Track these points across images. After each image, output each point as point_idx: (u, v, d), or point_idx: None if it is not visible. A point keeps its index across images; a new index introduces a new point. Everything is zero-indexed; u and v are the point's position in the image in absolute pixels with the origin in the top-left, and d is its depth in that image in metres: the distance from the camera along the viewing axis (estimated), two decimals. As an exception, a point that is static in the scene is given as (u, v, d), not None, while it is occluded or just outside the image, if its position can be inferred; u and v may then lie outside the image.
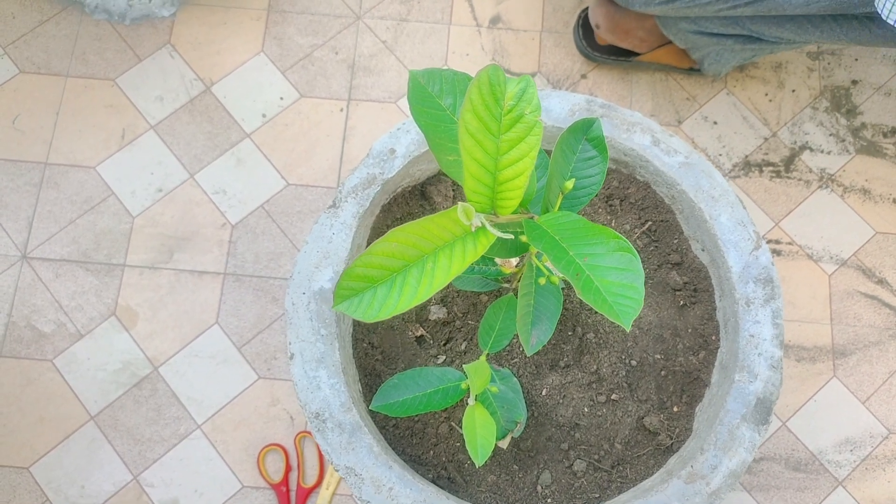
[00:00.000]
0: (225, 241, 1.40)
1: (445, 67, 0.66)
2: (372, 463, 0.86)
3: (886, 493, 1.29)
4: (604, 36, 1.41)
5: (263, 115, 1.47)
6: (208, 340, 1.36)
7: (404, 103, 1.47)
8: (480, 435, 0.80)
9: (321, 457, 1.30)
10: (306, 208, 1.42)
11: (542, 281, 0.77)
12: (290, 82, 1.49)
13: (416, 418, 0.95)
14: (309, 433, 1.30)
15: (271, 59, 1.50)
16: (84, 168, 1.43)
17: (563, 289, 0.88)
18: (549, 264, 0.75)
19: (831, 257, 1.40)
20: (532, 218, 0.66)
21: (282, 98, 1.48)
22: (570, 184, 0.72)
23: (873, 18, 1.08)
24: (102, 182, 1.43)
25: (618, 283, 0.58)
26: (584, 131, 0.74)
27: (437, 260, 0.58)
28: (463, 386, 0.86)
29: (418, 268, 0.58)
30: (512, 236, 0.60)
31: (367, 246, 0.98)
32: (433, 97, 0.65)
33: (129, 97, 1.47)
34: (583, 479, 0.93)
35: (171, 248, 1.40)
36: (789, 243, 1.41)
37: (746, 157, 1.45)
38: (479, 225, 0.58)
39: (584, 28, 1.46)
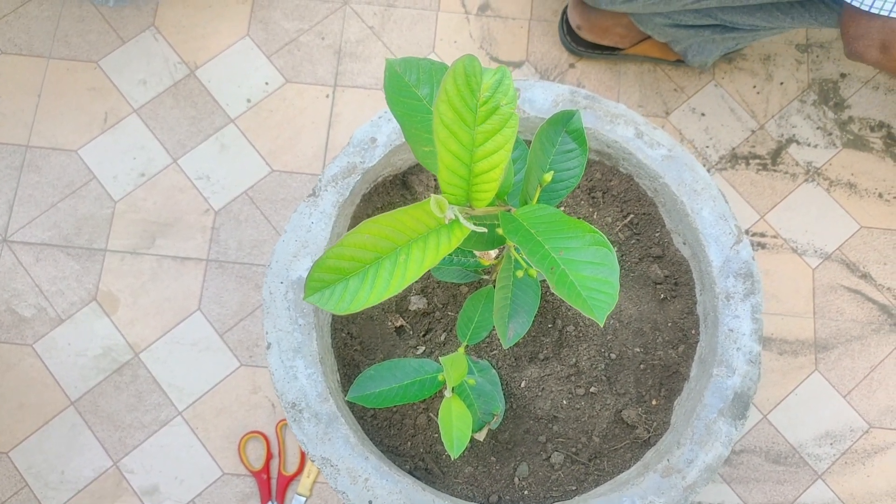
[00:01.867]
0: (208, 228, 1.39)
1: (423, 57, 0.65)
2: (348, 454, 0.86)
3: (865, 487, 1.30)
4: (585, 36, 1.40)
5: (248, 101, 1.46)
6: (190, 327, 1.35)
7: (390, 90, 1.46)
8: (456, 427, 0.80)
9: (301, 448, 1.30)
10: (290, 195, 1.41)
11: (520, 274, 0.76)
12: (275, 67, 1.47)
13: (395, 409, 0.95)
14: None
15: (257, 43, 1.48)
16: (66, 151, 1.42)
17: (541, 282, 0.87)
18: (527, 257, 0.74)
19: (816, 251, 1.40)
20: (509, 210, 0.65)
21: (267, 83, 1.47)
22: (548, 176, 0.72)
23: (839, 1, 1.08)
24: (84, 166, 1.41)
25: (592, 277, 0.58)
26: (564, 123, 0.74)
27: (410, 252, 0.58)
28: (440, 378, 0.86)
29: (391, 260, 0.58)
30: (486, 230, 0.59)
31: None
32: (409, 87, 0.64)
33: (112, 80, 1.46)
34: (560, 472, 0.93)
35: (153, 234, 1.39)
36: (774, 236, 1.41)
37: (733, 149, 1.45)
38: (453, 217, 0.58)
39: (568, 25, 1.45)
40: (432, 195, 0.56)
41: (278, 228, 1.39)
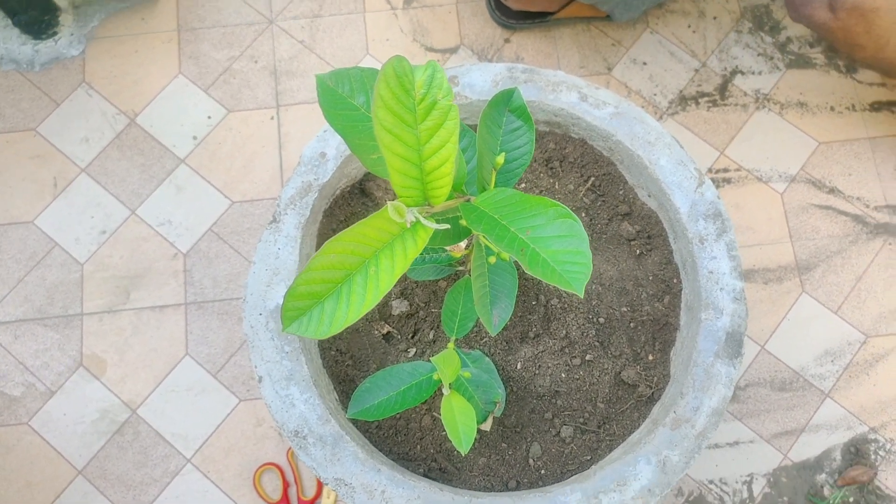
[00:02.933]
0: (180, 271, 1.38)
1: (353, 66, 0.64)
2: (360, 470, 0.86)
3: (873, 397, 1.32)
4: (513, 5, 1.40)
5: (194, 138, 1.44)
6: (182, 373, 1.34)
7: (334, 100, 1.45)
8: (461, 422, 0.80)
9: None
10: (255, 223, 1.40)
11: (493, 260, 0.76)
12: (214, 99, 1.46)
13: (398, 415, 0.95)
14: (299, 446, 1.29)
15: (191, 79, 1.47)
16: (22, 224, 1.40)
17: (515, 263, 0.87)
18: (495, 242, 0.74)
19: (780, 176, 1.41)
20: (468, 200, 0.65)
21: (209, 117, 1.45)
22: (500, 159, 0.72)
23: None
24: (43, 235, 1.39)
25: (563, 250, 0.58)
26: (506, 103, 0.73)
27: (378, 263, 0.57)
28: (435, 377, 0.86)
29: (361, 274, 0.57)
30: (448, 226, 0.59)
31: (316, 254, 0.97)
32: (345, 98, 0.64)
33: (53, 144, 1.43)
34: (572, 445, 0.93)
35: (126, 289, 1.37)
36: (737, 170, 1.41)
37: (681, 91, 1.45)
38: (414, 220, 0.57)
39: (496, 0, 1.44)
40: (388, 202, 0.56)
41: (250, 259, 1.38)
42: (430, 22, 1.49)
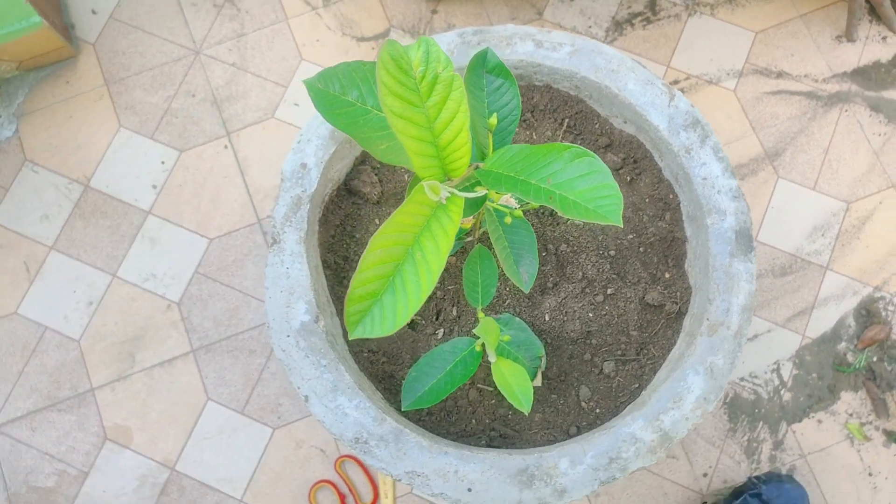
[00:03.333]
0: (178, 321, 1.36)
1: (336, 64, 0.64)
2: (427, 457, 0.86)
3: (869, 258, 1.36)
4: None
5: (154, 187, 1.41)
6: (209, 419, 1.32)
7: (282, 113, 1.44)
8: (515, 384, 0.81)
9: (367, 473, 1.30)
10: (240, 254, 1.38)
11: (508, 220, 0.77)
12: (163, 143, 1.43)
13: (445, 398, 0.95)
14: (346, 457, 1.29)
15: (133, 129, 1.44)
16: (5, 317, 1.36)
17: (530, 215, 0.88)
18: (506, 201, 0.74)
19: (728, 73, 1.44)
20: (477, 168, 0.65)
21: (163, 162, 1.42)
22: (493, 120, 0.72)
23: None
24: (30, 322, 1.36)
25: (590, 188, 0.59)
26: (482, 65, 0.74)
27: (422, 247, 0.57)
28: (477, 348, 0.86)
29: (409, 263, 0.57)
30: (479, 193, 0.59)
31: (323, 264, 0.96)
32: (338, 97, 0.63)
33: (14, 230, 1.39)
34: (618, 378, 0.95)
35: (129, 352, 1.35)
36: (686, 78, 1.44)
37: (613, 17, 1.47)
38: (448, 195, 0.57)
39: None
40: (422, 182, 0.56)
41: (244, 290, 1.36)
42: (355, 12, 1.48)
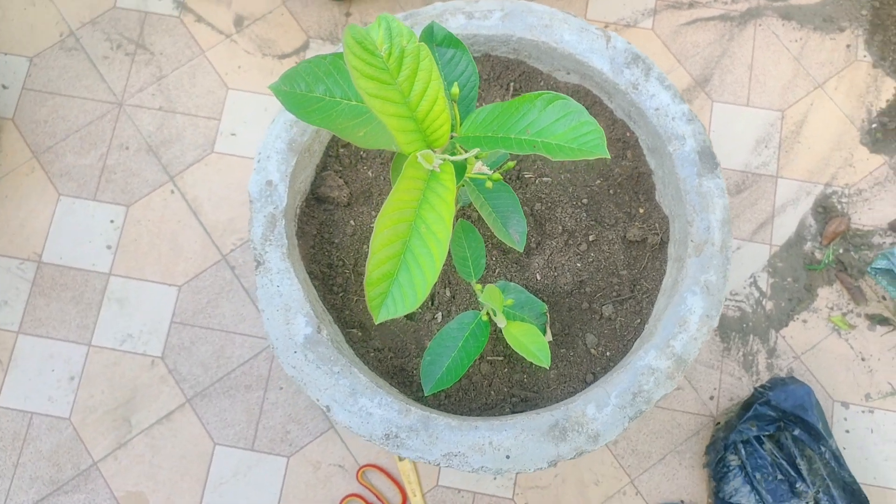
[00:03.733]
0: (166, 375, 1.33)
1: (297, 64, 0.64)
2: (460, 436, 0.87)
3: (814, 158, 1.42)
4: None
5: (109, 247, 1.38)
6: (221, 463, 1.30)
7: (221, 146, 1.42)
8: (530, 343, 0.82)
9: (390, 477, 1.29)
10: (212, 294, 1.36)
11: (489, 184, 0.78)
12: (107, 202, 1.40)
13: (460, 378, 0.96)
14: (366, 466, 1.29)
15: (74, 195, 1.40)
16: (-13, 414, 1.32)
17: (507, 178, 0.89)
18: (478, 170, 0.75)
19: (642, 14, 1.48)
20: (454, 137, 0.66)
21: (112, 221, 1.39)
22: (455, 89, 0.73)
23: None
24: (14, 412, 1.32)
25: (570, 128, 0.60)
26: (431, 39, 0.74)
27: (425, 219, 0.58)
28: (483, 318, 0.87)
29: (416, 237, 0.58)
30: (468, 154, 0.60)
31: (310, 276, 0.96)
32: (306, 95, 0.63)
33: (-26, 324, 1.35)
34: (619, 318, 0.97)
35: (124, 417, 1.31)
36: (605, 26, 1.47)
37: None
38: (441, 162, 0.58)
39: None
40: (416, 153, 0.56)
41: (224, 328, 1.34)
42: (269, 31, 1.47)
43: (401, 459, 1.29)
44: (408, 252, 0.58)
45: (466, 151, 0.64)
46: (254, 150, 1.41)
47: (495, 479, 1.29)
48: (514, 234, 0.79)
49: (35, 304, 1.36)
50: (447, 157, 0.58)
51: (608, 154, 0.57)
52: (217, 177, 1.40)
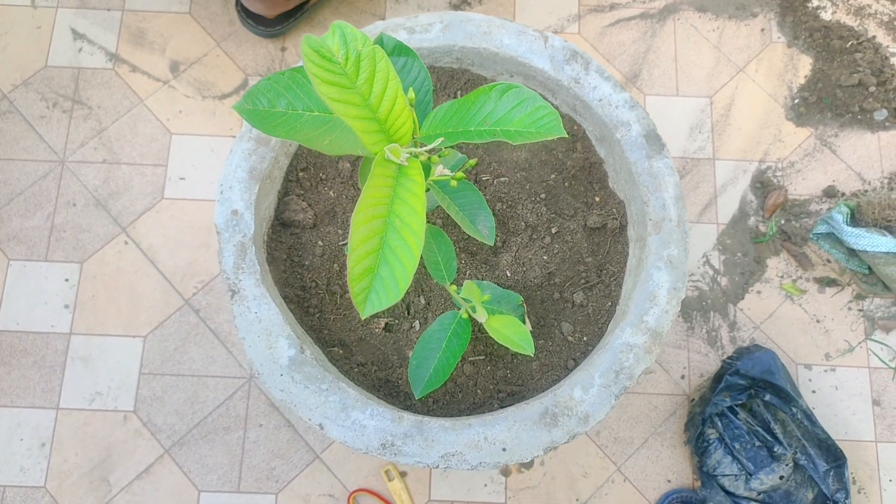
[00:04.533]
0: (140, 428, 1.31)
1: (259, 81, 0.65)
2: (455, 436, 0.88)
3: (744, 137, 1.48)
4: (269, 12, 1.42)
5: (66, 307, 1.35)
6: (207, 511, 1.28)
7: (171, 191, 1.41)
8: (513, 333, 0.84)
9: (381, 498, 1.29)
10: (178, 341, 1.34)
11: (454, 183, 0.80)
12: (60, 262, 1.37)
13: (445, 381, 0.97)
14: (357, 491, 1.28)
15: (24, 258, 1.37)
16: (-44, 493, 1.27)
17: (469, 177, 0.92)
18: (440, 173, 0.78)
19: (567, 20, 1.54)
20: (415, 138, 0.68)
21: (67, 279, 1.37)
22: (411, 94, 0.75)
23: None
24: (-15, 488, 1.27)
25: (526, 114, 0.63)
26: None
27: (398, 213, 0.60)
28: (463, 316, 0.89)
29: (391, 231, 0.60)
30: (434, 144, 0.63)
31: (285, 300, 0.96)
32: (269, 111, 0.65)
33: (-67, 402, 1.30)
34: (590, 304, 1.00)
35: (102, 478, 1.28)
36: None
37: (450, 2, 1.54)
38: (407, 156, 0.60)
39: (251, 18, 1.45)
40: (385, 147, 0.58)
41: (196, 373, 1.33)
42: (206, 74, 1.48)
43: (390, 479, 1.29)
44: (385, 246, 0.59)
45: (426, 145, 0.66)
46: (205, 192, 1.41)
47: (486, 486, 1.30)
48: (483, 230, 0.82)
49: (-5, 373, 1.32)
50: (413, 150, 0.60)
51: (565, 133, 0.61)
52: (171, 222, 1.39)
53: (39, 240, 1.38)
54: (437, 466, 0.87)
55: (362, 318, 0.57)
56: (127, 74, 1.47)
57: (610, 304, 1.00)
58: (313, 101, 0.67)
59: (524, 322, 0.94)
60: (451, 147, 0.87)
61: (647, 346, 0.91)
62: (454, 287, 0.91)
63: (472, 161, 0.87)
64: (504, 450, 0.88)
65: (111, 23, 1.49)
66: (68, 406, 1.31)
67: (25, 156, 1.42)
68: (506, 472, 1.31)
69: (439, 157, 0.72)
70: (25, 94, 1.45)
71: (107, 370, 1.33)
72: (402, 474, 1.30)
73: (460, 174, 0.81)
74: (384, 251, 0.59)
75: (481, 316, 0.85)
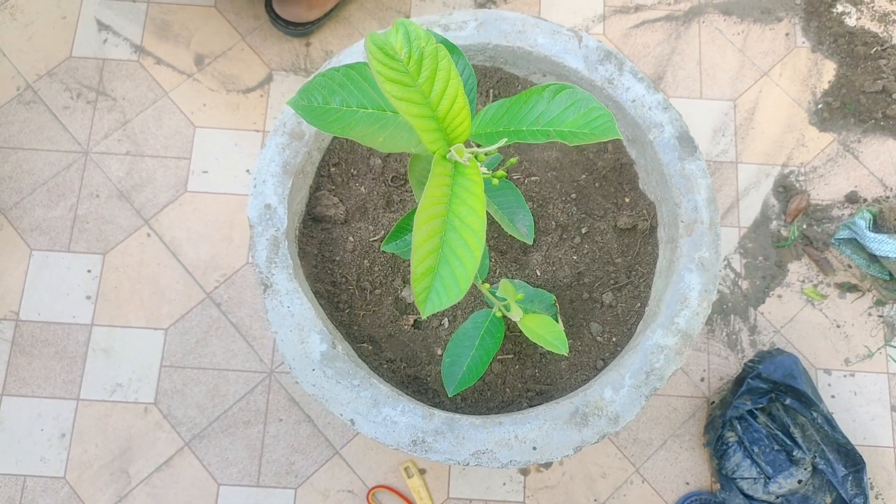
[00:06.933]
0: (160, 421, 1.31)
1: (311, 79, 0.65)
2: (485, 434, 0.88)
3: (769, 141, 1.48)
4: (305, 18, 1.42)
5: (88, 298, 1.36)
6: (228, 503, 1.28)
7: (194, 184, 1.41)
8: (547, 332, 0.84)
9: (400, 495, 1.29)
10: (200, 334, 1.35)
11: (496, 182, 0.80)
12: (83, 252, 1.38)
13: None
14: (376, 488, 1.28)
15: (46, 248, 1.37)
16: (-23, 482, 1.27)
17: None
18: (482, 170, 0.78)
19: (593, 20, 1.54)
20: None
21: (89, 270, 1.37)
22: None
23: None
24: (6, 477, 1.27)
25: (580, 115, 0.63)
26: (428, 47, 0.77)
27: (457, 213, 0.60)
28: (497, 314, 0.89)
29: (451, 231, 0.60)
30: (497, 146, 0.63)
31: (315, 295, 0.96)
32: (324, 107, 0.65)
33: (-46, 390, 1.30)
34: (620, 304, 1.00)
35: (122, 469, 1.28)
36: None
37: (476, 1, 1.54)
38: (470, 156, 0.60)
39: (281, 20, 1.45)
40: (451, 148, 0.58)
41: (216, 366, 1.33)
42: (232, 67, 1.48)
43: (409, 476, 1.29)
44: (445, 246, 0.59)
45: (482, 147, 0.66)
46: (228, 185, 1.41)
47: (505, 484, 1.30)
48: (522, 228, 0.82)
49: (17, 364, 1.32)
50: (476, 150, 0.60)
51: (619, 135, 0.60)
52: (193, 216, 1.40)
53: (62, 230, 1.38)
54: (468, 464, 0.87)
55: (423, 318, 0.57)
56: (151, 66, 1.47)
57: (639, 305, 1.00)
58: (367, 97, 0.67)
59: (557, 321, 0.94)
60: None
61: (677, 348, 0.91)
62: (486, 285, 0.91)
63: (513, 160, 0.87)
64: (535, 448, 0.88)
65: (136, 14, 1.49)
66: (89, 397, 1.31)
67: (49, 146, 1.42)
68: (525, 471, 1.31)
69: (486, 155, 0.72)
70: (50, 84, 1.45)
71: (128, 362, 1.33)
72: (422, 471, 1.30)
73: (501, 172, 0.81)
74: (444, 251, 0.60)
75: (516, 314, 0.85)
